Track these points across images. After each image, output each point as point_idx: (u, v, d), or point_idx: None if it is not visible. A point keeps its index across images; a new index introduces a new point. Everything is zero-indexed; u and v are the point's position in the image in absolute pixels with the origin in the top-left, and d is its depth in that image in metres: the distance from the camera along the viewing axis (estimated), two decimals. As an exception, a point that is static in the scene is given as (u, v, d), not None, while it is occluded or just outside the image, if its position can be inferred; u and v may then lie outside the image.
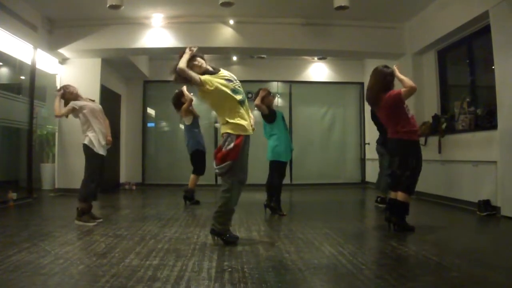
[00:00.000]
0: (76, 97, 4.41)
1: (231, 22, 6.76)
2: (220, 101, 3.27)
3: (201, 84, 3.22)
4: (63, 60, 7.19)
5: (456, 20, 5.48)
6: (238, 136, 3.21)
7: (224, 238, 3.26)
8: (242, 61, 9.16)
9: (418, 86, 6.73)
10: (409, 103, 3.94)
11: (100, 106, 4.56)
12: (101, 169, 4.33)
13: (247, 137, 3.29)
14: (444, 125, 5.87)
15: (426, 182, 5.95)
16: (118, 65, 7.82)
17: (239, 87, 3.32)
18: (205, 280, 2.33)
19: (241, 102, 3.27)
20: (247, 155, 3.38)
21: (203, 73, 3.30)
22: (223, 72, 3.36)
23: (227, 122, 3.24)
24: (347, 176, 9.43)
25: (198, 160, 5.82)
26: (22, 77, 6.50)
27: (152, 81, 9.27)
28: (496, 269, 2.64)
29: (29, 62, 6.22)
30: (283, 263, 2.72)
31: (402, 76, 3.80)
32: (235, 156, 3.19)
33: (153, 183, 9.00)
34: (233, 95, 3.23)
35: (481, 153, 5.03)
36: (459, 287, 2.29)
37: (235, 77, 3.37)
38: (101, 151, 4.27)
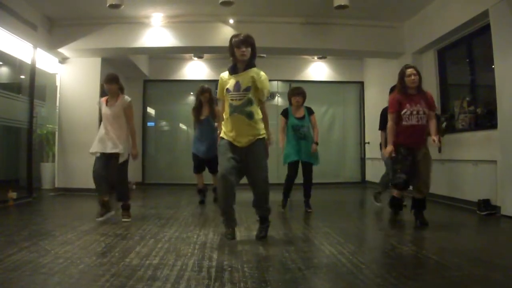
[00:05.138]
0: None
1: (231, 21, 6.75)
2: None
3: None
4: (63, 60, 7.18)
5: (456, 19, 5.47)
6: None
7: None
8: (242, 60, 9.14)
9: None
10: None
11: (111, 110, 4.21)
12: (99, 170, 4.23)
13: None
14: (444, 124, 5.86)
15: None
16: (118, 64, 7.81)
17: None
18: (205, 279, 2.33)
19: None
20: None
21: None
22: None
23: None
24: (347, 175, 9.42)
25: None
26: (22, 77, 6.50)
27: (152, 80, 9.27)
28: (496, 268, 2.64)
29: (29, 62, 6.20)
30: (283, 262, 2.72)
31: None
32: None
33: (153, 183, 9.01)
34: None
35: (481, 152, 5.03)
36: (459, 286, 2.29)
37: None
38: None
